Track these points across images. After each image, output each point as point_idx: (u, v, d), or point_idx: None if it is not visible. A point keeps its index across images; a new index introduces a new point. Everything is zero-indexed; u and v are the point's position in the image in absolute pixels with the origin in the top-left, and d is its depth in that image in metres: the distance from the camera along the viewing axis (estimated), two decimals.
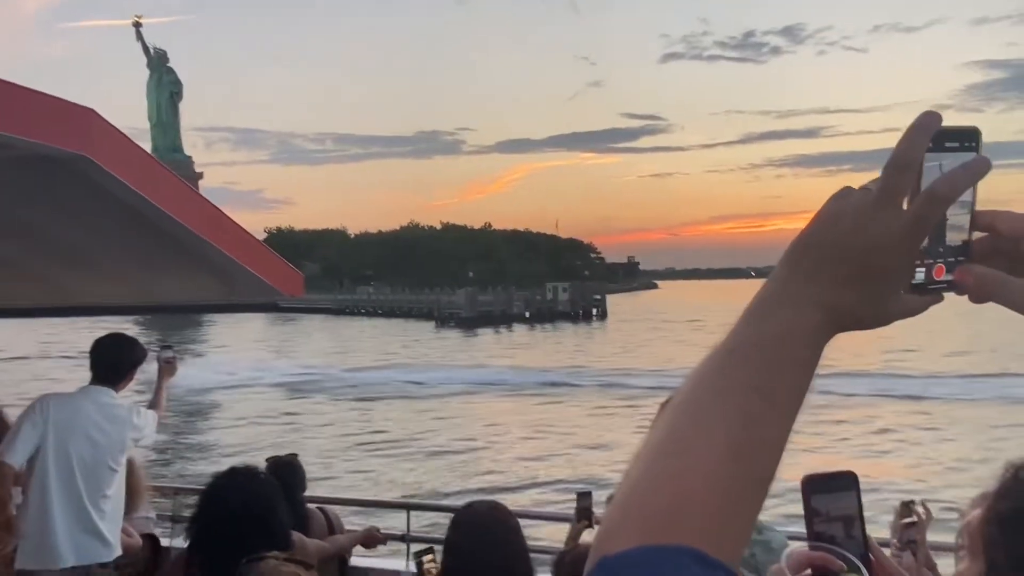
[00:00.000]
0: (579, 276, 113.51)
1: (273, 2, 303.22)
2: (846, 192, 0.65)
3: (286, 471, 4.05)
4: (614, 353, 45.52)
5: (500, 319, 72.95)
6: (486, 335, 63.98)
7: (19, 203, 8.22)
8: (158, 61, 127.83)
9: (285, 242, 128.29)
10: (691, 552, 0.55)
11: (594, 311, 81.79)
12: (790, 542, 2.28)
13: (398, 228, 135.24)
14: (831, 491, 0.79)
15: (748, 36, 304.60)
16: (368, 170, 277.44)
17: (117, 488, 4.18)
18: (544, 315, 77.26)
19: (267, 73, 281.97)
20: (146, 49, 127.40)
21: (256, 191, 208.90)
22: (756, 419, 0.60)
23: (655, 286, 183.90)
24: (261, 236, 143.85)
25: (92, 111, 8.96)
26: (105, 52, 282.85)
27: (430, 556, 3.39)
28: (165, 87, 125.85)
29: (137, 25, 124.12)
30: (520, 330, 69.42)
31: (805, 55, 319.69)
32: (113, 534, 4.15)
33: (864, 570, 0.77)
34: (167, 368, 4.57)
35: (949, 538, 2.20)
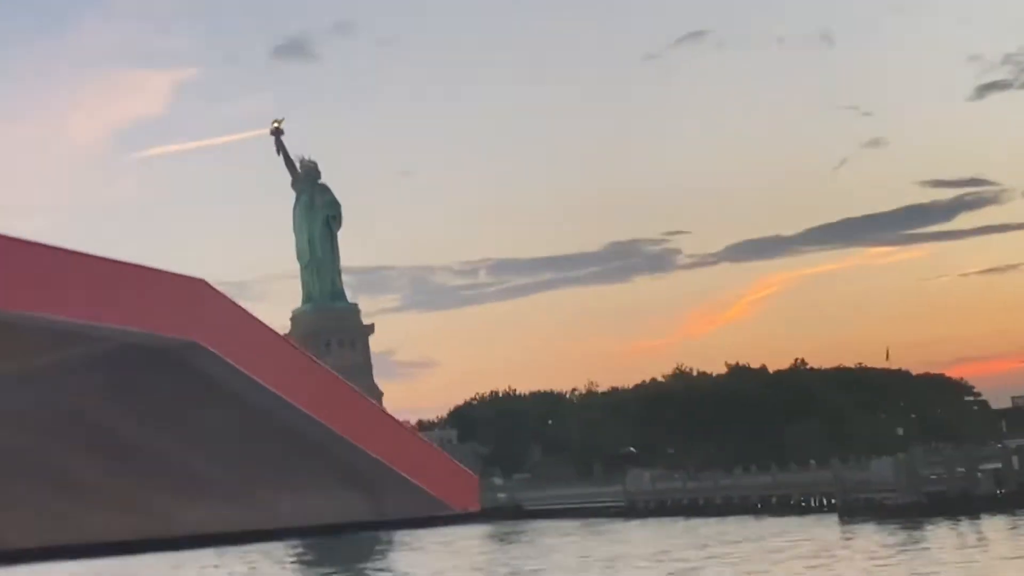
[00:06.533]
0: (955, 428, 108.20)
1: (386, 104, 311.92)
2: None
3: None
4: None
5: (957, 503, 66.14)
6: (941, 529, 56.38)
7: (110, 410, 10.68)
8: (307, 177, 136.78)
9: (480, 417, 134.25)
10: None
11: None
12: None
13: (651, 380, 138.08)
14: None
15: None
16: (540, 307, 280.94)
17: None
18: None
19: (392, 191, 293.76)
20: (290, 162, 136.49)
21: (384, 353, 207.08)
22: None
23: None
24: (446, 410, 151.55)
25: (202, 283, 11.66)
26: (190, 182, 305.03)
27: None
28: (318, 211, 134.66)
29: (278, 133, 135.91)
30: (996, 522, 60.01)
31: None
32: None
33: None
34: None
35: None
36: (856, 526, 64.03)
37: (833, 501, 74.40)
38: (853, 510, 69.97)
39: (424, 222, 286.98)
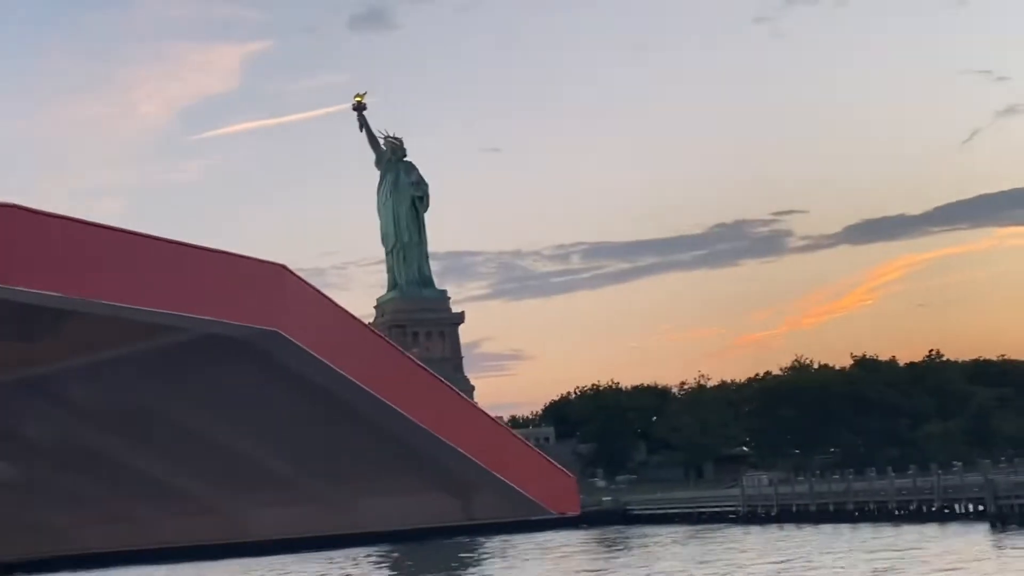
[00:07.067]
0: None
1: (472, 76, 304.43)
2: None
3: None
4: None
5: None
6: None
7: (182, 406, 9.80)
8: (393, 155, 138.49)
9: (578, 413, 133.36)
10: None
11: None
12: None
13: (766, 374, 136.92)
14: None
15: None
16: (638, 294, 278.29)
17: None
18: None
19: (478, 169, 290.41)
20: (373, 140, 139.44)
21: (471, 344, 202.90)
22: None
23: None
24: (540, 405, 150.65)
25: (283, 269, 10.52)
26: (261, 163, 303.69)
27: None
28: (404, 191, 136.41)
29: (360, 107, 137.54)
30: None
31: None
32: None
33: None
34: None
35: None
36: (1009, 535, 63.38)
37: (982, 508, 73.34)
38: (1006, 517, 68.94)
39: (512, 203, 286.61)
